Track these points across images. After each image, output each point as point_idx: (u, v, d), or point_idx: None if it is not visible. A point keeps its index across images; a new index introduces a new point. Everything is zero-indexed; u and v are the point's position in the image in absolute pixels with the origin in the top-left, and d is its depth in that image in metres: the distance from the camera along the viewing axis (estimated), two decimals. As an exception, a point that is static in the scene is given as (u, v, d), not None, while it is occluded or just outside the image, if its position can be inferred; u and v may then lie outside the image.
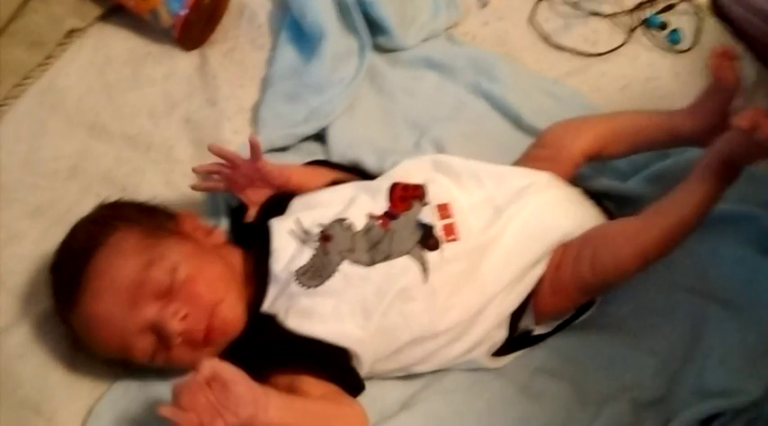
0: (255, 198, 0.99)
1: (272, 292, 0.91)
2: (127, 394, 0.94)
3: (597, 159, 1.03)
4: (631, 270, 0.89)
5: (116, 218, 0.94)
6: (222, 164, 0.99)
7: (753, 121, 0.79)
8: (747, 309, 0.95)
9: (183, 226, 0.96)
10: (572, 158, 1.00)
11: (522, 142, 1.14)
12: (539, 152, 1.02)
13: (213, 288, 0.89)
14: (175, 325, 0.86)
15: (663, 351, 0.95)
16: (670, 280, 0.99)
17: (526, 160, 1.03)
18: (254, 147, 0.96)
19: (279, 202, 0.98)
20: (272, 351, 0.89)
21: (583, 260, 0.90)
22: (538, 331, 0.95)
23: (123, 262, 0.88)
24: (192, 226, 0.97)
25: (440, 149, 1.14)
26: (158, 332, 0.86)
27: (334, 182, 1.01)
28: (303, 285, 0.89)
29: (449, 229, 0.91)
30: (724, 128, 0.90)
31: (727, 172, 0.86)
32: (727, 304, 0.97)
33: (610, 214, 1.00)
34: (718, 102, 0.95)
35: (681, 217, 0.87)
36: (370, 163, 1.09)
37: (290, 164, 1.06)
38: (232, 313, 0.90)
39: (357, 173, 1.07)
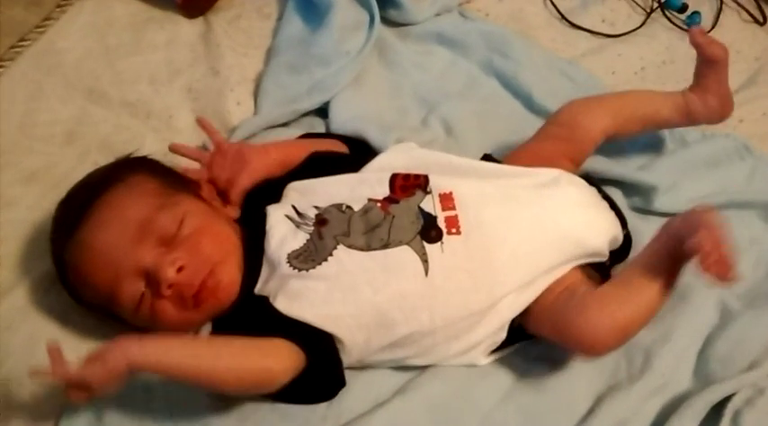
0: (244, 183, 0.96)
1: (263, 273, 0.89)
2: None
3: (614, 138, 1.02)
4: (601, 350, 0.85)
5: (140, 165, 0.93)
6: (201, 151, 0.99)
7: None
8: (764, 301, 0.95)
9: (202, 191, 0.94)
10: (591, 137, 0.99)
11: (534, 123, 1.11)
12: (556, 130, 1.00)
13: (217, 247, 0.87)
14: (170, 273, 0.83)
15: (670, 339, 0.92)
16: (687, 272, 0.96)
17: (543, 138, 1.01)
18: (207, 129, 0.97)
19: (273, 189, 0.96)
20: (260, 332, 0.85)
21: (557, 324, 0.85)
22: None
23: (135, 200, 0.87)
24: (210, 194, 0.95)
25: (448, 127, 1.12)
26: (151, 279, 0.84)
27: (317, 153, 0.99)
28: (294, 268, 0.86)
29: (451, 222, 0.88)
30: (730, 103, 1.01)
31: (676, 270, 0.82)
32: (746, 295, 0.96)
33: (623, 220, 0.97)
34: (716, 75, 0.99)
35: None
36: (373, 137, 1.06)
37: (267, 142, 1.05)
38: (228, 277, 0.87)
39: (353, 143, 1.05)
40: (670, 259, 0.82)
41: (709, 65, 0.99)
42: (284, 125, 1.12)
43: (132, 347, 0.75)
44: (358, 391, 0.88)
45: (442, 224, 0.88)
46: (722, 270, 0.75)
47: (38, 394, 0.88)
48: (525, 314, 0.89)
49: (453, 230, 0.88)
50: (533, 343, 0.93)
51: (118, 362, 0.74)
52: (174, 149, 0.99)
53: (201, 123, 1.00)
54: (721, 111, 1.02)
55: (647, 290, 0.83)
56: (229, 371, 0.79)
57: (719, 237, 0.76)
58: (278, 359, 0.81)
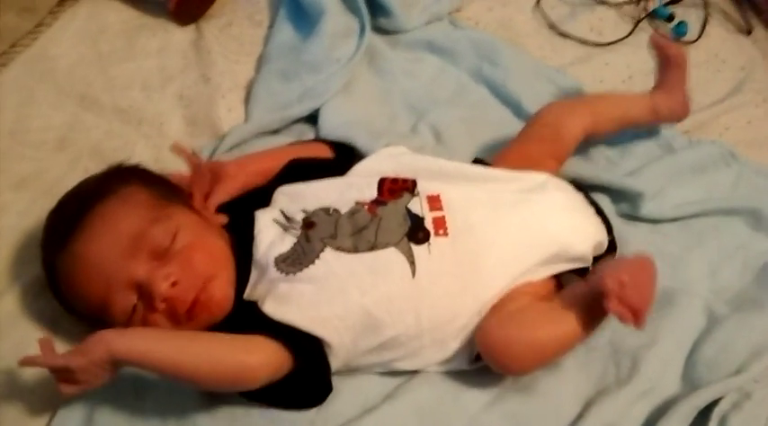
0: (219, 197, 0.97)
1: (252, 278, 0.89)
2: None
3: (591, 138, 1.06)
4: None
5: (132, 175, 0.93)
6: (196, 157, 0.99)
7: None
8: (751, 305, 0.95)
9: (194, 201, 0.95)
10: (573, 136, 1.03)
11: (521, 130, 1.13)
12: (540, 131, 1.03)
13: (210, 262, 0.87)
14: (164, 287, 0.84)
15: (657, 343, 0.93)
16: (674, 277, 0.98)
17: (528, 139, 1.03)
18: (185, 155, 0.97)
19: (262, 195, 0.96)
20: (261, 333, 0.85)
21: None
22: None
23: (129, 212, 0.87)
24: (201, 204, 0.95)
25: (437, 134, 1.12)
26: (144, 292, 0.84)
27: (296, 159, 1.00)
28: (282, 271, 0.87)
29: (439, 222, 0.89)
30: (688, 103, 1.08)
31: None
32: (733, 299, 0.97)
33: (609, 226, 0.98)
34: (677, 76, 1.06)
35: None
36: (362, 143, 1.06)
37: (244, 154, 1.05)
38: (221, 292, 0.87)
39: (338, 147, 1.05)
40: (593, 300, 0.83)
41: (671, 67, 1.05)
42: (275, 132, 1.13)
43: (113, 338, 0.77)
44: (346, 396, 0.88)
45: (429, 225, 0.89)
46: (625, 315, 0.79)
47: (28, 398, 0.88)
48: None
49: (441, 231, 0.88)
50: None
51: (99, 352, 0.77)
52: (174, 150, 0.99)
53: (176, 149, 0.99)
54: (682, 111, 1.08)
55: (567, 324, 0.85)
56: (203, 362, 0.80)
57: (632, 281, 0.79)
58: (255, 355, 0.81)
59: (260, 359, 0.81)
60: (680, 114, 1.09)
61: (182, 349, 0.80)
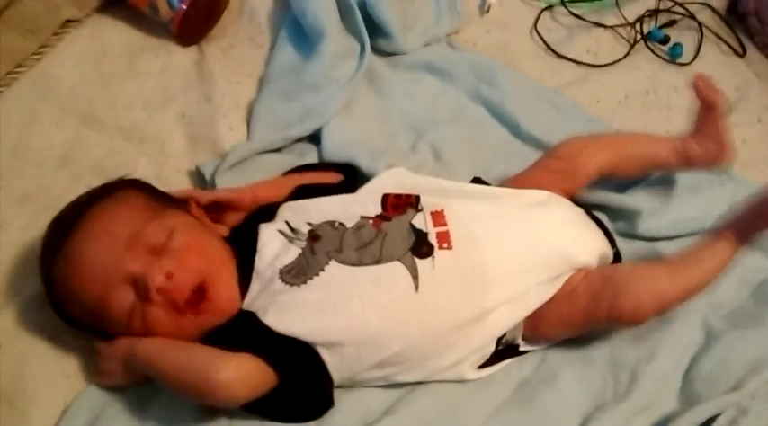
0: (231, 222, 0.98)
1: (253, 288, 0.89)
2: (103, 393, 0.91)
3: (612, 176, 1.04)
4: (647, 319, 0.91)
5: (130, 184, 0.94)
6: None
7: None
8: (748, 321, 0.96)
9: (192, 210, 0.95)
10: (586, 172, 1.01)
11: (520, 150, 1.14)
12: (553, 163, 1.02)
13: (206, 260, 0.88)
14: (158, 279, 0.83)
15: (656, 359, 0.94)
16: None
17: (539, 169, 1.03)
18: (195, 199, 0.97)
19: (267, 211, 0.97)
20: (248, 348, 0.85)
21: (601, 300, 0.89)
22: (524, 347, 0.94)
23: (125, 212, 0.88)
24: (199, 212, 0.96)
25: (436, 153, 1.13)
26: (139, 286, 0.84)
27: (303, 186, 1.01)
28: (286, 283, 0.87)
29: (442, 237, 0.90)
30: (726, 148, 0.99)
31: (746, 238, 0.93)
32: (730, 315, 0.98)
33: (611, 238, 0.99)
34: (713, 120, 0.99)
35: (704, 279, 0.93)
36: (364, 162, 1.07)
37: (252, 183, 1.05)
38: (227, 290, 0.88)
39: (345, 169, 1.06)
40: (741, 231, 0.91)
41: (708, 110, 0.99)
42: (276, 150, 1.14)
43: (139, 340, 0.86)
44: (346, 409, 0.89)
45: (433, 239, 0.90)
46: None
47: (29, 412, 0.88)
48: (533, 320, 0.91)
49: (445, 245, 0.89)
50: (522, 362, 0.95)
51: (123, 346, 0.87)
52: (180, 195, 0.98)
53: (182, 195, 0.98)
54: (720, 158, 1.01)
55: (700, 273, 0.92)
56: (180, 374, 0.83)
57: None
58: (223, 373, 0.80)
59: (228, 376, 0.80)
60: (718, 161, 1.01)
61: (169, 359, 0.84)
